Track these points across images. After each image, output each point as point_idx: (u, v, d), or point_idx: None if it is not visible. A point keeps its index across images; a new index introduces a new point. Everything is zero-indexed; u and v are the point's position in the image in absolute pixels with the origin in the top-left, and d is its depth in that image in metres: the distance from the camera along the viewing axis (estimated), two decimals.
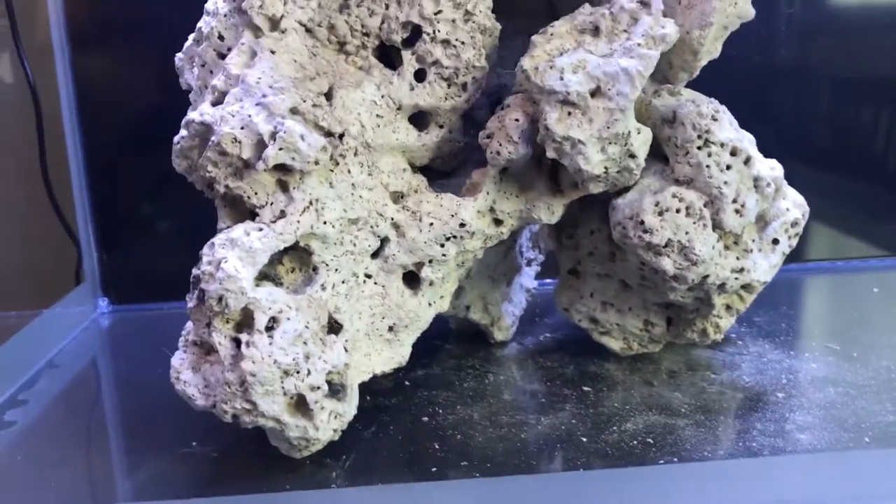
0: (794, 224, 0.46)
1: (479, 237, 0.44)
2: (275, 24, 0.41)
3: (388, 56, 0.44)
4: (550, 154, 0.41)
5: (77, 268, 0.68)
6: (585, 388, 0.49)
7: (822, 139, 0.74)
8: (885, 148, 0.74)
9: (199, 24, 0.45)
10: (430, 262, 0.43)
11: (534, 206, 0.44)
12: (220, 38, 0.42)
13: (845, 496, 0.37)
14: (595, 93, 0.40)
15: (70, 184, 0.66)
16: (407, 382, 0.51)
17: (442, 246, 0.43)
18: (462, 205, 0.43)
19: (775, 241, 0.46)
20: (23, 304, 0.67)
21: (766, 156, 0.46)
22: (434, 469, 0.40)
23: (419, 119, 0.44)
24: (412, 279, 0.44)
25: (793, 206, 0.46)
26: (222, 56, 0.42)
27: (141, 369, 0.56)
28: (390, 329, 0.44)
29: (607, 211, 0.46)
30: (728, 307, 0.47)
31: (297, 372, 0.38)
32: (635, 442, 0.42)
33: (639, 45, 0.39)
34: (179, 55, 0.46)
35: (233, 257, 0.37)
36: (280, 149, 0.38)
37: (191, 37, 0.45)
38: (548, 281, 0.65)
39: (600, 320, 0.51)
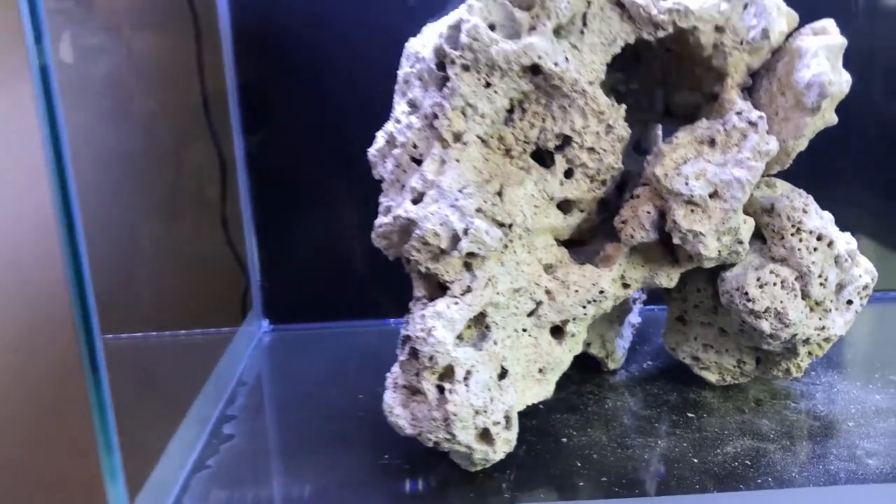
0: (865, 287, 0.57)
1: (611, 299, 0.56)
2: (458, 137, 0.52)
3: (540, 156, 0.55)
4: (676, 241, 0.52)
5: (245, 295, 0.81)
6: (689, 415, 0.61)
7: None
8: None
9: (389, 129, 0.56)
10: (574, 319, 0.55)
11: (656, 273, 0.56)
12: (415, 146, 0.54)
13: None
14: (713, 195, 0.51)
15: (242, 226, 0.79)
16: (541, 406, 0.63)
17: (584, 308, 0.55)
18: (601, 275, 0.55)
19: (849, 302, 0.56)
20: (196, 324, 0.80)
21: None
22: (581, 484, 0.52)
23: (564, 205, 0.55)
24: (557, 332, 0.56)
25: (864, 272, 0.57)
26: (415, 160, 0.54)
27: (316, 387, 0.69)
28: (540, 371, 0.56)
29: (712, 274, 0.57)
30: (809, 353, 0.58)
31: (486, 412, 0.50)
32: (736, 463, 0.54)
33: (748, 158, 0.50)
34: (373, 151, 0.57)
35: (439, 326, 0.49)
36: (471, 242, 0.50)
37: (381, 137, 0.57)
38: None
39: (701, 358, 0.62)
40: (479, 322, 0.52)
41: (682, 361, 0.64)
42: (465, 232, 0.50)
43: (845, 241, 0.56)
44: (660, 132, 0.65)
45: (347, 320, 0.82)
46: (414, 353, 0.50)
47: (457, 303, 0.50)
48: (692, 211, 0.51)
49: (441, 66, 0.53)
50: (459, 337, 0.51)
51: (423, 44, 0.56)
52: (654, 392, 0.65)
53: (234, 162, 0.77)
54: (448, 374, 0.50)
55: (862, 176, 0.83)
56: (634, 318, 0.70)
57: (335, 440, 0.60)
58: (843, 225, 0.57)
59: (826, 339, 0.56)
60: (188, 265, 0.72)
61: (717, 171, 0.51)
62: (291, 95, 0.78)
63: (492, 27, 0.52)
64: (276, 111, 0.79)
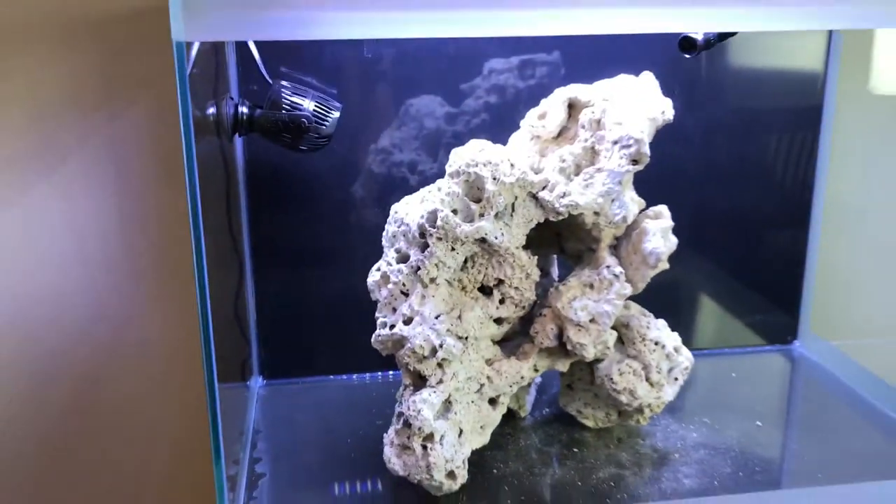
0: (685, 368, 0.89)
1: (528, 379, 0.86)
2: (433, 280, 0.81)
3: (483, 290, 0.84)
4: (569, 347, 0.83)
5: (246, 359, 1.07)
6: (575, 450, 0.92)
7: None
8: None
9: (383, 268, 0.84)
10: (504, 394, 0.85)
11: (556, 362, 0.87)
12: (404, 285, 0.82)
13: None
14: (592, 321, 0.82)
15: (247, 305, 1.05)
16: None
17: (510, 387, 0.85)
18: (522, 366, 0.85)
19: (675, 378, 0.89)
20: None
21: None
22: (508, 502, 0.82)
23: (498, 321, 0.85)
24: (493, 401, 0.86)
25: (685, 359, 0.89)
26: (403, 293, 0.82)
27: (313, 433, 0.96)
28: (481, 427, 0.85)
29: (589, 363, 0.88)
30: (651, 410, 0.90)
31: (452, 460, 0.79)
32: (605, 486, 0.85)
33: (614, 298, 0.82)
34: (371, 282, 0.85)
35: (425, 408, 0.78)
36: (444, 352, 0.79)
37: (376, 273, 0.85)
38: None
39: (583, 412, 0.93)
40: (447, 401, 0.81)
41: (569, 413, 0.95)
42: (441, 346, 0.79)
43: (674, 340, 0.88)
44: (555, 261, 0.95)
45: (325, 375, 1.10)
46: (407, 424, 0.79)
47: (434, 391, 0.79)
48: (579, 330, 0.82)
49: (422, 234, 0.81)
50: (436, 412, 0.80)
51: (406, 212, 0.84)
52: (550, 433, 0.95)
53: (244, 260, 1.03)
54: (429, 438, 0.79)
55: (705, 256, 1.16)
56: (537, 378, 1.01)
57: (346, 472, 0.87)
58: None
59: (661, 403, 0.89)
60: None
61: (594, 306, 0.82)
62: (293, 196, 1.05)
63: (455, 212, 0.81)
64: (280, 206, 1.05)
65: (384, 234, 0.89)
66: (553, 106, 0.85)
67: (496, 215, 0.81)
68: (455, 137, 1.07)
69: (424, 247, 0.81)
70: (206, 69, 0.79)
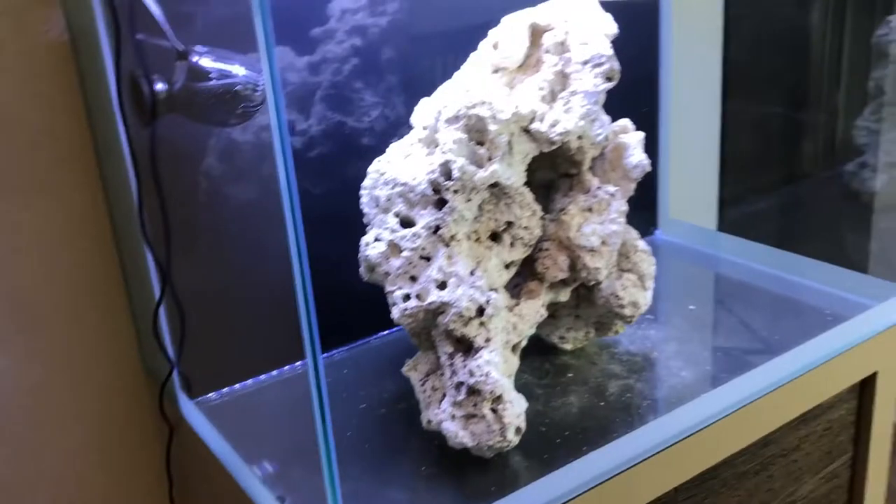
0: (654, 268, 0.94)
1: (543, 318, 0.84)
2: (453, 237, 0.75)
3: (493, 235, 0.80)
4: (585, 274, 0.82)
5: (168, 378, 0.91)
6: (570, 374, 0.93)
7: None
8: None
9: (385, 237, 0.76)
10: (525, 338, 0.83)
11: (558, 293, 0.86)
12: (423, 249, 0.75)
13: None
14: (604, 243, 0.82)
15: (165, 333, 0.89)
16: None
17: (531, 329, 0.83)
18: (537, 305, 0.83)
19: (652, 277, 0.93)
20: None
21: None
22: (559, 440, 0.81)
23: (510, 265, 0.82)
24: (515, 348, 0.83)
25: (654, 259, 0.94)
26: (424, 258, 0.75)
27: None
28: (508, 376, 0.82)
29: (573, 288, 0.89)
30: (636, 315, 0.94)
31: (519, 416, 0.76)
32: (627, 398, 0.87)
33: (616, 217, 0.82)
34: (375, 255, 0.77)
35: (492, 370, 0.73)
36: (492, 308, 0.74)
37: (380, 244, 0.77)
38: None
39: (565, 336, 0.94)
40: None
41: (550, 342, 0.95)
42: (488, 302, 0.74)
43: (647, 246, 0.92)
44: None
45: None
46: (473, 392, 0.73)
47: (492, 350, 0.75)
48: (593, 255, 0.82)
49: (436, 190, 0.75)
50: (500, 371, 0.76)
51: (397, 171, 0.76)
52: (535, 366, 0.95)
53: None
54: (498, 399, 0.74)
55: None
56: None
57: (372, 466, 0.80)
58: None
59: (647, 307, 0.92)
60: None
61: (602, 228, 0.82)
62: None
63: (464, 158, 0.75)
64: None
65: (366, 200, 0.80)
66: (515, 34, 0.82)
67: (501, 156, 0.77)
68: (333, 87, 0.98)
69: (440, 203, 0.75)
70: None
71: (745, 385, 0.89)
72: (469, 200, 0.75)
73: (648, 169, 0.85)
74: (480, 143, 0.76)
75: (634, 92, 1.22)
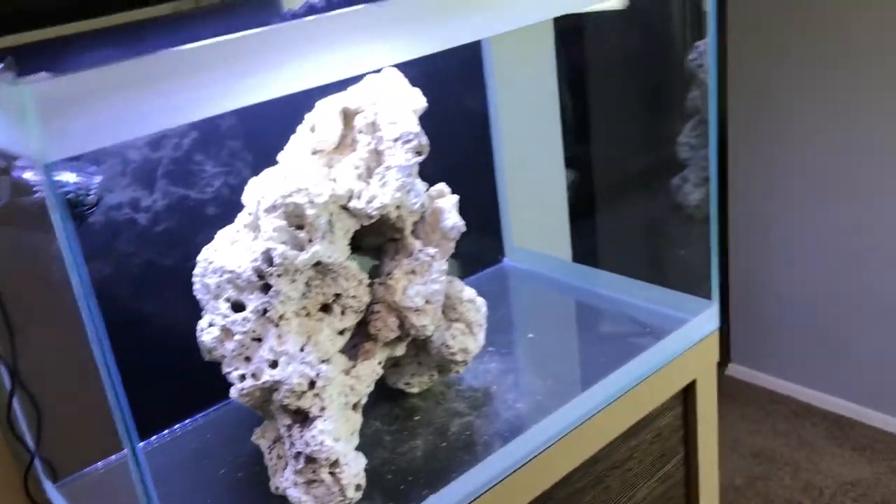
0: (485, 312, 1.02)
1: (380, 375, 0.91)
2: (282, 317, 0.81)
3: (323, 307, 0.87)
4: (413, 333, 0.90)
5: (30, 465, 0.94)
6: (417, 417, 1.00)
7: None
8: None
9: (219, 322, 0.82)
10: (364, 396, 0.90)
11: (394, 349, 0.93)
12: (254, 331, 0.81)
13: None
14: (428, 302, 0.90)
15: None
16: None
17: (369, 387, 0.90)
18: (373, 366, 0.90)
19: (481, 324, 1.01)
20: None
21: None
22: (389, 477, 0.89)
23: (343, 331, 0.88)
24: (355, 406, 0.90)
25: (482, 304, 1.02)
26: (256, 339, 0.81)
27: None
28: (351, 434, 0.89)
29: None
30: (470, 357, 1.02)
31: (358, 474, 0.83)
32: (465, 436, 0.95)
33: (438, 277, 0.90)
34: (209, 340, 0.82)
35: (327, 439, 0.80)
36: (323, 381, 0.81)
37: (214, 330, 0.82)
38: None
39: (410, 382, 1.02)
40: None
41: (397, 388, 1.02)
42: (318, 375, 0.81)
43: (471, 292, 1.00)
44: None
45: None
46: (311, 460, 0.80)
47: (325, 419, 0.81)
48: (418, 314, 0.89)
49: (260, 276, 0.81)
50: (334, 437, 0.82)
51: (224, 259, 0.82)
52: (383, 413, 1.02)
53: None
54: (335, 463, 0.81)
55: None
56: None
57: None
58: None
59: (479, 349, 1.01)
60: None
61: (425, 289, 0.90)
62: None
63: (284, 244, 0.81)
64: None
65: (198, 287, 0.85)
66: (328, 119, 0.88)
67: (322, 236, 0.83)
68: (174, 163, 1.03)
69: (265, 287, 0.81)
70: None
71: (573, 410, 0.99)
72: (294, 281, 0.81)
73: (463, 230, 0.93)
74: (300, 227, 0.82)
75: (473, 131, 1.31)
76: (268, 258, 0.80)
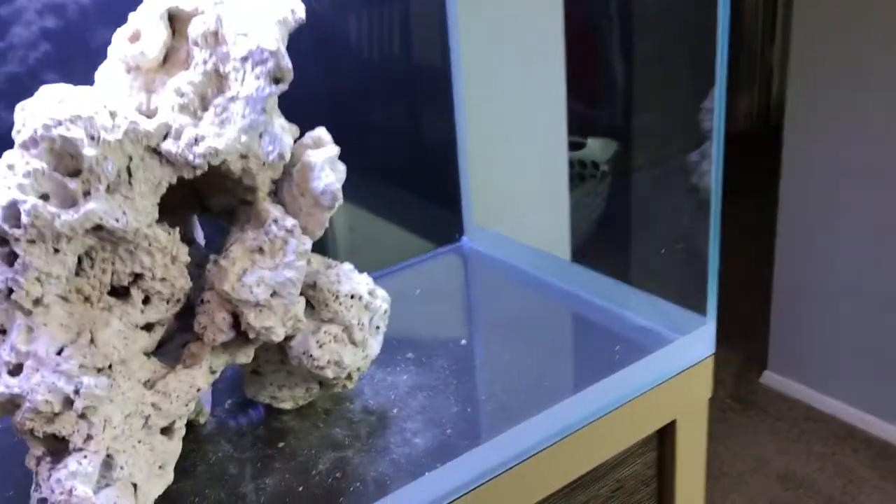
0: (385, 311, 0.75)
1: (206, 388, 0.65)
2: (38, 302, 0.56)
3: (117, 291, 0.61)
4: (252, 336, 0.64)
5: None
6: (280, 444, 0.74)
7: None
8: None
9: None
10: (180, 417, 0.64)
11: (236, 355, 0.67)
12: None
13: None
14: (274, 294, 0.63)
15: None
16: None
17: (186, 406, 0.64)
18: (195, 375, 0.64)
19: (377, 327, 0.74)
20: None
21: None
22: None
23: (147, 326, 0.63)
24: (167, 430, 0.64)
25: (382, 300, 0.75)
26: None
27: None
28: (160, 467, 0.64)
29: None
30: (358, 370, 0.76)
31: None
32: (331, 479, 0.69)
33: (294, 260, 0.63)
34: None
35: (78, 484, 0.54)
36: (85, 400, 0.55)
37: None
38: None
39: (278, 396, 0.76)
40: (106, 459, 0.58)
41: (261, 401, 0.76)
42: (77, 392, 0.55)
43: (366, 283, 0.73)
44: (197, 223, 0.73)
45: None
46: None
47: (85, 455, 0.56)
48: (260, 311, 0.63)
49: (3, 240, 0.55)
50: (95, 482, 0.57)
51: None
52: (243, 432, 0.77)
53: None
54: None
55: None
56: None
57: None
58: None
59: (369, 361, 0.74)
60: None
61: (273, 276, 0.63)
62: None
63: (45, 197, 0.56)
64: None
65: None
66: (148, 23, 0.62)
67: (108, 189, 0.57)
68: (11, 82, 0.78)
69: (10, 257, 0.55)
70: None
71: (491, 452, 0.72)
72: (57, 252, 0.56)
73: (339, 198, 0.66)
74: (73, 174, 0.56)
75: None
76: (12, 214, 0.54)
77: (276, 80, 0.62)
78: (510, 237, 1.09)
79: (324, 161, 0.65)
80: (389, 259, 1.06)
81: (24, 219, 0.54)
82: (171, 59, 0.63)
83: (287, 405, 0.77)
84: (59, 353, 0.56)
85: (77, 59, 0.82)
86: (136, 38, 0.63)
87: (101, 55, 0.66)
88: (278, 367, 0.74)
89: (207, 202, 0.69)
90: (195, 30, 0.62)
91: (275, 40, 0.61)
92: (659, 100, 1.27)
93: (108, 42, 0.76)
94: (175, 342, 0.66)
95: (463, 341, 0.88)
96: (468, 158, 1.06)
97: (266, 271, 0.63)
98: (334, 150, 0.67)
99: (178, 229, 0.62)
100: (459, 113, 1.05)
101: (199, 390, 0.64)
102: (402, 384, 0.82)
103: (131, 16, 0.64)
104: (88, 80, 0.78)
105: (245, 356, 0.68)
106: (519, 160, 1.16)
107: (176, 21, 0.63)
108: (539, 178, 1.17)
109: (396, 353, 0.87)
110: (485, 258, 1.08)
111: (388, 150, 1.05)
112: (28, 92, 0.80)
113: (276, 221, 0.64)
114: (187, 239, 0.73)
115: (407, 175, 1.07)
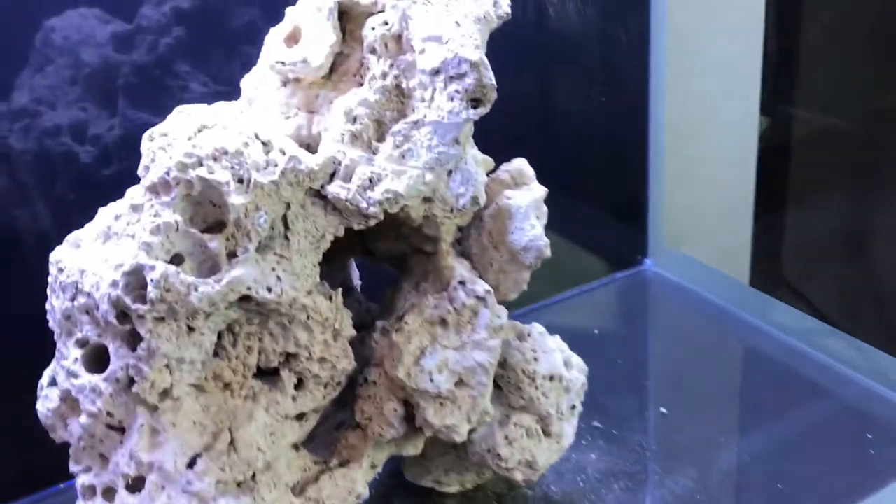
0: (582, 385, 0.59)
1: (365, 493, 0.51)
2: (166, 394, 0.43)
3: (261, 371, 0.47)
4: (429, 433, 0.49)
5: None
6: None
7: None
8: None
9: (62, 383, 0.44)
10: None
11: (402, 447, 0.53)
12: (110, 415, 0.43)
13: None
14: (459, 383, 0.48)
15: None
16: None
17: None
18: (354, 479, 0.50)
19: (573, 407, 0.59)
20: None
21: None
22: None
23: (300, 416, 0.49)
24: None
25: (578, 371, 0.59)
26: (114, 428, 0.43)
27: None
28: None
29: None
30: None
31: None
32: None
33: (485, 338, 0.48)
34: (46, 410, 0.45)
35: None
36: None
37: (52, 393, 0.45)
38: None
39: (443, 481, 0.61)
40: None
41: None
42: None
43: (560, 353, 0.57)
44: (354, 268, 0.59)
45: None
46: None
47: None
48: (441, 405, 0.48)
49: (124, 315, 0.42)
50: None
51: (86, 266, 0.43)
52: None
53: None
54: None
55: None
56: None
57: None
58: None
59: (563, 451, 0.59)
60: None
61: (459, 359, 0.48)
62: None
63: (178, 259, 0.42)
64: None
65: (48, 309, 0.47)
66: (312, 20, 0.47)
67: (259, 247, 0.43)
68: (138, 74, 0.66)
69: (133, 338, 0.42)
70: None
71: None
72: (191, 332, 0.42)
73: (546, 254, 0.50)
74: (214, 228, 0.42)
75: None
76: (135, 283, 0.41)
77: (475, 102, 0.46)
78: (702, 261, 0.91)
79: (528, 206, 0.49)
80: (560, 285, 0.90)
81: (152, 291, 0.40)
82: (339, 68, 0.49)
83: (452, 489, 0.63)
84: (191, 464, 0.42)
85: (215, 46, 0.69)
86: (295, 40, 0.49)
87: (244, 40, 0.53)
88: (447, 451, 0.60)
89: (373, 245, 0.55)
90: (372, 32, 0.47)
91: (475, 48, 0.45)
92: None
93: (252, 24, 0.63)
94: (328, 424, 0.53)
95: (662, 409, 0.71)
96: (662, 166, 0.88)
97: (450, 352, 0.48)
98: (540, 191, 0.51)
99: (339, 291, 0.48)
100: (654, 113, 0.87)
101: (358, 497, 0.50)
102: (591, 466, 0.66)
103: (288, 11, 0.50)
104: (228, 72, 0.65)
105: (414, 448, 0.53)
106: (714, 169, 0.98)
107: (347, 19, 0.48)
108: (740, 193, 0.98)
109: (584, 419, 0.72)
110: (672, 287, 0.91)
111: (563, 153, 0.88)
112: (156, 86, 0.69)
113: (462, 284, 0.49)
114: (345, 286, 0.58)
115: (584, 185, 0.90)
